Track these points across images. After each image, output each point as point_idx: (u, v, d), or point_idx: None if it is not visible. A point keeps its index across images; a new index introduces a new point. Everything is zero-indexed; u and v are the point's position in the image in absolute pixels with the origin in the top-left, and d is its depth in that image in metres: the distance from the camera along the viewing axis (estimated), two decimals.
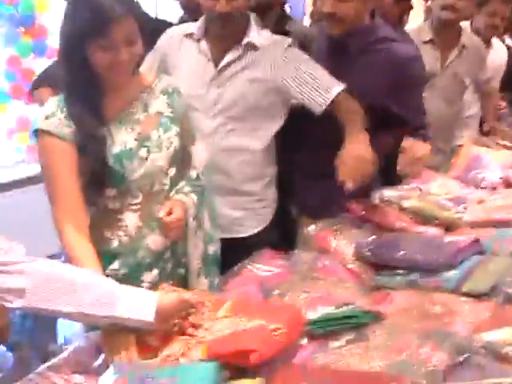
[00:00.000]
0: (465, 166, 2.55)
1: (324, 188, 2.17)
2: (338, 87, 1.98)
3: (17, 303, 1.32)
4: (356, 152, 1.90)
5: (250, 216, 2.23)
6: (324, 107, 1.97)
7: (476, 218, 2.07)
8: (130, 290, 1.41)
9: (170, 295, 1.45)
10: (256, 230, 2.25)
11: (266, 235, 2.23)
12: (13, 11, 3.98)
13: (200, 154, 1.91)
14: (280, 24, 2.61)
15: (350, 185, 1.86)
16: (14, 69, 4.12)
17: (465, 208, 2.14)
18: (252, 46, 2.11)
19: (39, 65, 3.91)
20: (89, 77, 1.64)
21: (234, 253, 1.94)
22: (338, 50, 2.18)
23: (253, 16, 2.15)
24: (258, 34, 2.13)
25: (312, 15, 3.94)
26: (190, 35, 2.17)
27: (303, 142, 2.30)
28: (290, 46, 2.12)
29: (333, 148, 1.95)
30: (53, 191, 1.65)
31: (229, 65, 2.11)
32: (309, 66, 2.05)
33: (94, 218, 1.73)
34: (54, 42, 3.94)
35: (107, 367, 1.31)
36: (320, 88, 1.98)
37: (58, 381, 1.31)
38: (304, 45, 2.31)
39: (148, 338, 1.39)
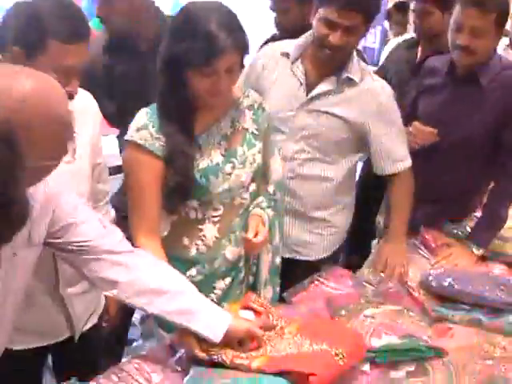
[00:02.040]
0: None
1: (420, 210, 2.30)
2: (406, 162, 2.20)
3: (108, 292, 1.48)
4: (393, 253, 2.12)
5: (316, 241, 2.28)
6: (383, 174, 2.20)
7: None
8: (208, 306, 1.51)
9: (241, 324, 1.52)
10: (319, 257, 2.30)
11: (329, 261, 2.28)
12: None
13: (277, 168, 1.97)
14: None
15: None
16: None
17: None
18: (349, 82, 2.13)
19: None
20: (184, 95, 1.69)
21: (292, 274, 2.05)
22: (466, 80, 2.25)
23: (355, 53, 2.15)
24: (358, 70, 2.14)
25: None
26: (285, 54, 2.18)
27: None
28: (389, 97, 2.17)
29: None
30: (133, 200, 1.72)
31: (322, 95, 2.13)
32: (394, 131, 2.17)
33: (174, 226, 1.79)
34: None
35: (183, 366, 1.47)
36: (391, 157, 2.18)
37: (139, 378, 1.45)
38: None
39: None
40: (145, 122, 1.70)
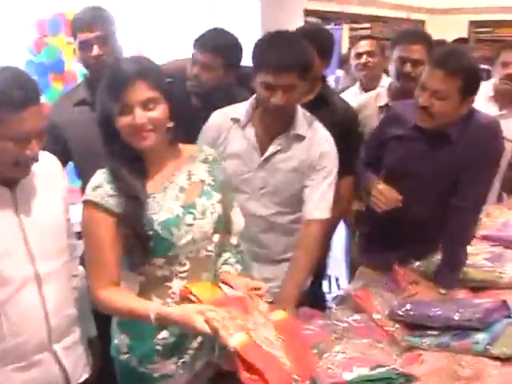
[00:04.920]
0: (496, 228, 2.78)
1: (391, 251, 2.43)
2: (325, 213, 2.29)
3: None
4: None
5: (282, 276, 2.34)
6: (306, 219, 2.29)
7: None
8: None
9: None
10: None
11: (303, 298, 2.32)
12: (41, 59, 4.19)
13: (239, 220, 2.04)
14: (321, 97, 2.79)
15: None
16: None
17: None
18: (298, 137, 2.30)
19: None
20: (126, 148, 1.77)
21: None
22: (435, 134, 2.33)
23: (299, 107, 2.32)
24: (304, 125, 2.32)
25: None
26: (236, 120, 2.34)
27: None
28: (332, 147, 2.34)
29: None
30: (92, 257, 1.77)
31: (275, 154, 2.30)
32: (327, 181, 2.31)
33: (143, 286, 1.83)
34: None
35: None
36: (319, 203, 2.29)
37: None
38: (346, 120, 2.58)
39: None
40: (100, 182, 1.76)
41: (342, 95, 3.33)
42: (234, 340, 1.48)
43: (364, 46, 4.07)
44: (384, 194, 2.38)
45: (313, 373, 1.60)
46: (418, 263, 2.44)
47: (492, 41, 8.40)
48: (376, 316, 2.04)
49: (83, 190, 2.46)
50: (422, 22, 8.80)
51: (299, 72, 2.15)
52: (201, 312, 1.55)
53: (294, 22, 5.36)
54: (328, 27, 6.48)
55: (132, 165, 1.78)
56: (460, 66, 2.19)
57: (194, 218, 1.82)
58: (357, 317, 2.05)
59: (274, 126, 2.30)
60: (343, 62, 5.63)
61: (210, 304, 1.63)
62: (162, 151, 1.83)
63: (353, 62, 4.13)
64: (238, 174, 2.28)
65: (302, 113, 2.34)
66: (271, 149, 2.30)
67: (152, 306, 1.70)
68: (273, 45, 2.18)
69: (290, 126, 2.30)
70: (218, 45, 2.65)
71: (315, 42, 2.60)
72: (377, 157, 2.54)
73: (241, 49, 2.78)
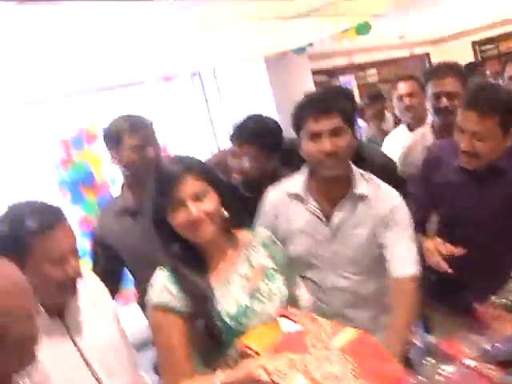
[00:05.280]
0: None
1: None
2: (413, 269, 2.13)
3: None
4: None
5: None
6: (395, 277, 2.13)
7: None
8: None
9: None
10: None
11: None
12: (72, 176, 4.35)
13: (306, 296, 2.00)
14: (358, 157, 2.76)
15: None
16: (87, 228, 4.45)
17: None
18: (361, 198, 2.18)
19: None
20: (185, 246, 1.80)
21: None
22: (484, 173, 2.26)
23: (354, 167, 2.23)
24: (363, 183, 2.20)
25: None
26: (294, 195, 2.24)
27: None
28: (400, 201, 2.21)
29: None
30: (165, 360, 1.78)
31: (342, 223, 2.18)
32: (406, 234, 2.17)
33: None
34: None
35: None
36: (405, 259, 2.14)
37: None
38: (386, 171, 2.45)
39: None
40: (163, 283, 1.78)
41: (390, 138, 3.29)
42: None
43: (402, 88, 3.88)
44: (435, 251, 2.27)
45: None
46: (493, 297, 2.34)
47: (498, 56, 8.38)
48: (469, 362, 1.94)
49: (138, 288, 2.48)
50: (427, 55, 8.85)
51: (342, 114, 2.10)
52: (261, 366, 1.54)
53: (303, 82, 5.44)
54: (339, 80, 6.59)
55: (193, 262, 1.79)
56: (492, 104, 2.13)
57: (260, 303, 1.81)
58: (449, 368, 1.95)
59: (334, 188, 2.19)
60: (362, 112, 5.61)
61: (269, 352, 1.61)
62: (220, 242, 1.84)
63: (396, 105, 4.00)
64: (308, 250, 2.19)
65: (358, 171, 2.24)
66: (337, 217, 2.19)
67: (216, 377, 1.67)
68: (310, 100, 2.16)
69: (350, 188, 2.19)
70: (256, 134, 2.63)
71: None
72: (426, 207, 2.46)
73: (279, 131, 2.75)
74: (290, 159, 2.51)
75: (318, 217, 2.20)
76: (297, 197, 2.24)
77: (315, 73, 6.14)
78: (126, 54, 3.60)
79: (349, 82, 7.43)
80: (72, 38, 2.90)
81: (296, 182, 2.27)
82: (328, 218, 2.20)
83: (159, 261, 1.84)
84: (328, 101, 2.12)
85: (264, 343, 1.68)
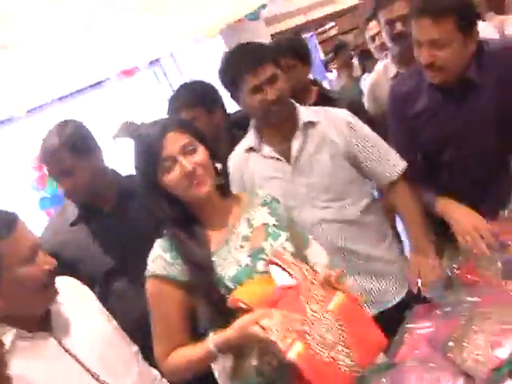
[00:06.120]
0: None
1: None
2: (400, 166, 2.25)
3: None
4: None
5: (391, 283, 2.28)
6: (389, 179, 2.24)
7: None
8: None
9: None
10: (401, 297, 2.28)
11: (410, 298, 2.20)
12: (50, 193, 4.21)
13: (320, 254, 1.92)
14: (322, 97, 2.77)
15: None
16: None
17: None
18: (310, 124, 2.22)
19: None
20: (181, 211, 1.73)
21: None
22: (456, 88, 2.14)
23: (298, 106, 2.28)
24: (310, 113, 2.25)
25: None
26: (249, 149, 2.28)
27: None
28: (352, 116, 2.26)
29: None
30: (160, 331, 1.72)
31: (300, 154, 2.21)
32: (375, 141, 2.25)
33: None
34: None
35: None
36: (388, 162, 2.24)
37: None
38: (353, 110, 2.40)
39: None
40: (158, 252, 1.72)
41: (374, 73, 3.13)
42: (293, 352, 1.45)
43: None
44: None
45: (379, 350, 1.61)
46: (502, 212, 2.25)
47: None
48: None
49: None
50: None
51: (273, 60, 2.16)
52: (256, 322, 1.49)
53: None
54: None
55: (190, 228, 1.73)
56: (444, 4, 1.97)
57: (265, 262, 1.71)
58: (474, 291, 1.87)
59: (283, 127, 2.22)
60: (326, 66, 5.68)
61: (262, 306, 1.54)
62: (216, 201, 1.78)
63: (380, 36, 3.26)
64: (281, 193, 2.11)
65: (302, 108, 2.28)
66: (293, 150, 2.21)
67: (209, 340, 1.62)
68: (240, 56, 2.19)
69: (297, 120, 2.22)
70: (189, 99, 2.65)
71: (292, 50, 2.80)
72: (406, 147, 2.33)
73: (213, 89, 2.75)
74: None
75: (277, 159, 2.23)
76: (251, 149, 2.28)
77: (275, 36, 6.02)
78: (76, 56, 3.46)
79: (311, 39, 7.29)
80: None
81: (248, 137, 2.32)
82: (287, 156, 2.22)
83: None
84: (258, 51, 2.17)
85: (257, 297, 1.60)
